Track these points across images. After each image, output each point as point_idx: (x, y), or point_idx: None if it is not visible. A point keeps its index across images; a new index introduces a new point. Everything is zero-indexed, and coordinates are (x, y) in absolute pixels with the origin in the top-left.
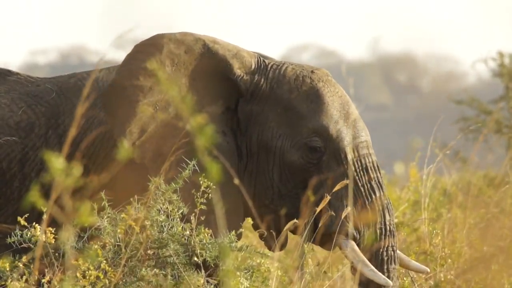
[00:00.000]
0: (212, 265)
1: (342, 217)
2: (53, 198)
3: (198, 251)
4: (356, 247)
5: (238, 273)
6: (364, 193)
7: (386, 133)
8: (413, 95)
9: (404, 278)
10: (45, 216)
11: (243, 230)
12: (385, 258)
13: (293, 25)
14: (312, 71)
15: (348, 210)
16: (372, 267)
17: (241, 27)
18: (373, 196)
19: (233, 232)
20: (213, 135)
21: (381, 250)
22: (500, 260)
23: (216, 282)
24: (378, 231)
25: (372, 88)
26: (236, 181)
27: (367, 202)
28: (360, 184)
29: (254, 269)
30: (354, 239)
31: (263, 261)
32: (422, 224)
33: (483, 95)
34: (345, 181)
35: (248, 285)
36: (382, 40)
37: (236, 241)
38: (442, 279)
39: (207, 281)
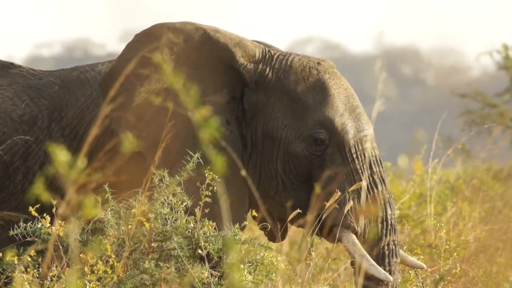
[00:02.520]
0: (216, 257)
1: (345, 211)
2: (70, 195)
3: (202, 243)
4: (357, 241)
5: (242, 266)
6: (366, 187)
7: (390, 126)
8: (418, 88)
9: (410, 272)
10: (60, 211)
11: (247, 222)
12: (386, 252)
13: (297, 18)
14: (318, 63)
15: (351, 204)
16: (373, 261)
17: (245, 20)
18: (375, 190)
19: (237, 225)
20: (219, 127)
21: (382, 244)
22: (504, 254)
23: (219, 274)
24: (379, 225)
25: (376, 83)
26: (243, 172)
27: (369, 196)
28: (362, 179)
29: (258, 262)
30: (356, 233)
31: (266, 254)
32: (427, 217)
33: (488, 88)
34: (362, 182)
35: (252, 279)
36: (387, 33)
37: (240, 234)
38: (451, 271)
39: (211, 274)
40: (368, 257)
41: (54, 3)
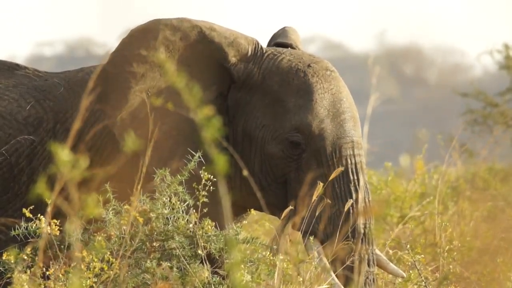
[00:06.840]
0: (218, 257)
1: (314, 217)
2: (57, 189)
3: (202, 244)
4: (322, 251)
5: (242, 265)
6: (339, 195)
7: (392, 125)
8: (420, 87)
9: (410, 271)
10: (49, 208)
11: (246, 221)
12: (358, 262)
13: (299, 17)
14: (309, 65)
15: (320, 211)
16: (333, 275)
17: (246, 20)
18: (348, 199)
19: (239, 224)
20: (221, 126)
21: (354, 253)
22: (506, 253)
23: (224, 274)
24: (350, 234)
25: (378, 80)
26: (245, 172)
27: (340, 205)
28: (336, 186)
29: (260, 262)
30: (322, 242)
31: (268, 253)
32: (429, 216)
33: (489, 88)
34: (340, 169)
35: (252, 278)
36: (388, 32)
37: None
38: (451, 271)
39: (215, 273)
40: (329, 269)
41: (55, 2)
